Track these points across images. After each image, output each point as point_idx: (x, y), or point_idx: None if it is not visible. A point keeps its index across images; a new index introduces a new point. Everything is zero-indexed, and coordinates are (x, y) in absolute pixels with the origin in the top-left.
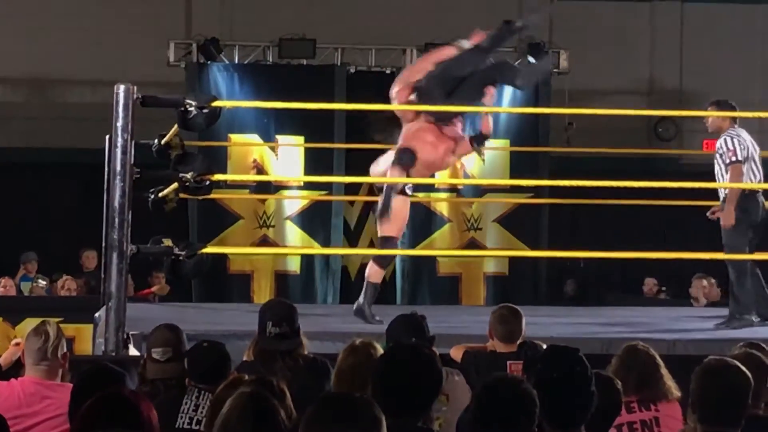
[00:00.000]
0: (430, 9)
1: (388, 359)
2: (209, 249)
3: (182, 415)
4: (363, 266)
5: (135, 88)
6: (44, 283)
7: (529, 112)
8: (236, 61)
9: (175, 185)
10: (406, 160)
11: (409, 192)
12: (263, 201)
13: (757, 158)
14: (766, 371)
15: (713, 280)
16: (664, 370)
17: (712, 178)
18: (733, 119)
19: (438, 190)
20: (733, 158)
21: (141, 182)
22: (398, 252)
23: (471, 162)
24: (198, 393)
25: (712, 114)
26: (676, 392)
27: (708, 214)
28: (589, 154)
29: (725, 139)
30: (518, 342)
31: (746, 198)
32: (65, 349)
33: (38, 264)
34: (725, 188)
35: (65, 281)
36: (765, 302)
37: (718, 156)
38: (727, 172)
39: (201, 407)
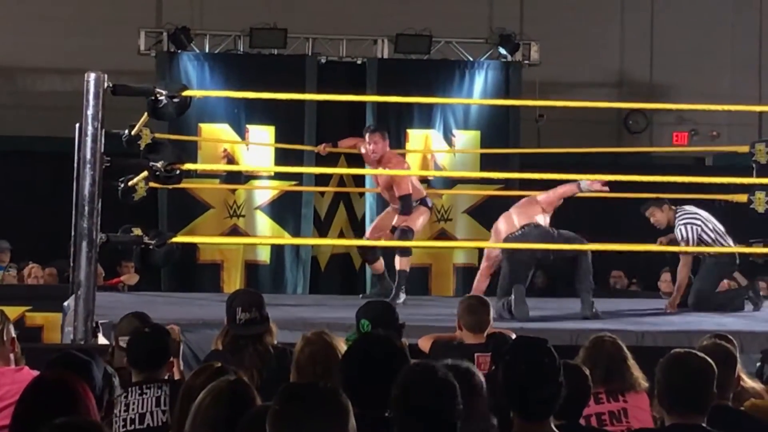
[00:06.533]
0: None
1: (359, 349)
2: (179, 238)
3: (116, 419)
4: (333, 256)
5: (105, 76)
6: (16, 272)
7: (499, 103)
8: (207, 50)
9: (144, 174)
10: None
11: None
12: (233, 191)
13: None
14: (733, 362)
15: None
16: (631, 362)
17: (682, 172)
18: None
19: None
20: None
21: (111, 171)
22: (369, 243)
23: (441, 153)
24: (126, 393)
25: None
26: (644, 383)
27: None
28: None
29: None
30: (487, 332)
31: None
32: (13, 334)
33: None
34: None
35: (31, 269)
36: None
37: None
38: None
39: (131, 404)
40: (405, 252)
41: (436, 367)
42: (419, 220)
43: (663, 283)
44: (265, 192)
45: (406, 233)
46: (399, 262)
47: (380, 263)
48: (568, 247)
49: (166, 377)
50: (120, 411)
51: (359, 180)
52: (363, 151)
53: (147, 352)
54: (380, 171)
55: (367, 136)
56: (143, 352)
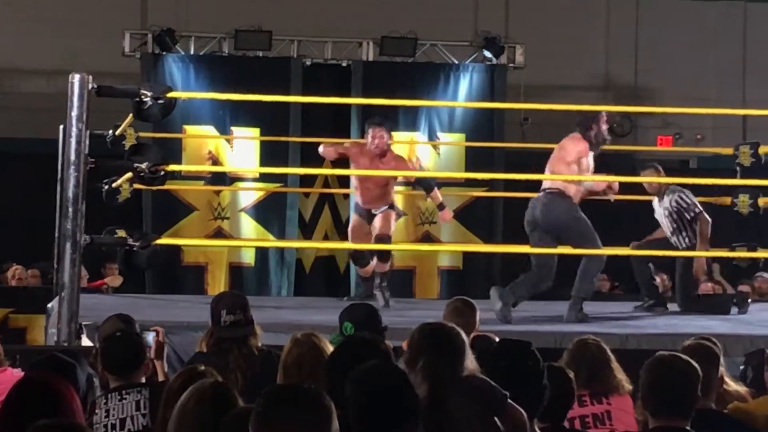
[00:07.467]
0: (387, 2)
1: (343, 351)
2: (163, 240)
3: (97, 425)
4: (317, 259)
5: (90, 78)
6: None
7: (484, 106)
8: (192, 52)
9: (129, 175)
10: None
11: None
12: (218, 192)
13: None
14: (716, 360)
15: (665, 276)
16: (614, 364)
17: (666, 174)
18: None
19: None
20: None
21: (95, 172)
22: (356, 246)
23: (426, 156)
24: (106, 398)
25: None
26: (628, 386)
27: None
28: (544, 149)
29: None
30: (472, 335)
31: None
32: None
33: None
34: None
35: (15, 270)
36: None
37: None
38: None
39: (112, 410)
40: (385, 258)
41: (382, 363)
42: (392, 225)
43: None
44: (249, 194)
45: (383, 241)
46: (378, 266)
47: (370, 267)
48: (564, 251)
49: (143, 380)
50: (101, 417)
51: (344, 181)
52: (347, 148)
53: (119, 358)
54: (366, 171)
55: (371, 129)
56: (115, 358)
